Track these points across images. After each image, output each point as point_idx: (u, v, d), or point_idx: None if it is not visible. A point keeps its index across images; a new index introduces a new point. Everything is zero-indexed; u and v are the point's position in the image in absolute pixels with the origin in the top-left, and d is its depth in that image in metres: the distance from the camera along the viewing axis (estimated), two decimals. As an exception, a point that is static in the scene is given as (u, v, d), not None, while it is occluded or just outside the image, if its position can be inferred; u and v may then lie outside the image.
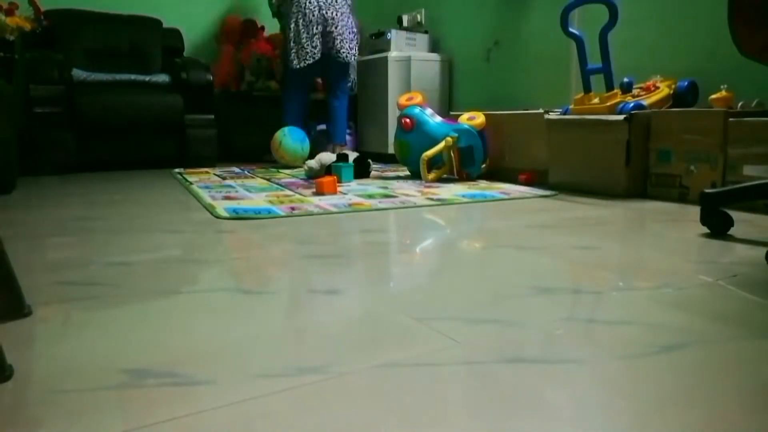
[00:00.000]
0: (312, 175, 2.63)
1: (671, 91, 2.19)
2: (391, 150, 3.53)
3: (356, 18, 3.45)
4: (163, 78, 3.43)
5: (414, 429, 0.54)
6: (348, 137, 3.95)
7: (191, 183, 2.54)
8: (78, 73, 3.19)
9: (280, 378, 0.64)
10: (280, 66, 3.61)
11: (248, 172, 3.07)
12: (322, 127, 3.97)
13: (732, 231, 1.41)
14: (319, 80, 3.76)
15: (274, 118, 4.02)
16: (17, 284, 0.85)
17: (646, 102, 2.12)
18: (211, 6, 4.11)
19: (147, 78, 3.38)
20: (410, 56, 3.53)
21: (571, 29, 2.21)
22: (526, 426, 0.55)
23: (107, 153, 3.19)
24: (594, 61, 2.22)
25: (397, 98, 3.01)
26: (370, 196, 2.12)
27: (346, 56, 3.27)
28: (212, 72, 3.52)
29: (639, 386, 0.62)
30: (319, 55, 3.21)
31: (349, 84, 3.50)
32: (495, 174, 2.73)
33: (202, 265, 1.16)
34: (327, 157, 2.68)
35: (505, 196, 2.12)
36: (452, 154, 2.59)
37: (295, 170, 3.12)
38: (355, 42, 3.34)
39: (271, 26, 4.13)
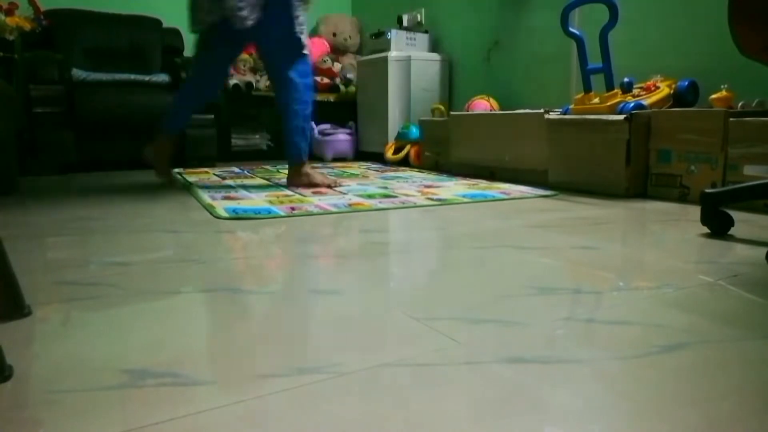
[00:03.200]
0: None
1: (671, 91, 2.19)
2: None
3: None
4: (163, 78, 3.43)
5: (414, 429, 0.54)
6: (348, 137, 3.96)
7: (191, 183, 2.54)
8: (78, 73, 3.19)
9: (280, 378, 0.64)
10: None
11: (248, 172, 3.07)
12: (325, 126, 3.97)
13: (732, 231, 1.41)
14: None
15: (273, 117, 4.03)
16: (17, 284, 0.85)
17: (646, 102, 2.12)
18: (211, 6, 4.10)
19: (147, 78, 3.38)
20: (410, 56, 3.53)
21: (571, 29, 2.21)
22: (526, 426, 0.54)
23: (107, 153, 3.19)
24: (594, 60, 2.22)
25: None
26: (370, 196, 2.12)
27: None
28: (212, 72, 3.51)
29: (639, 386, 0.62)
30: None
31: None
32: (495, 174, 2.73)
33: (202, 265, 1.16)
34: None
35: (505, 196, 2.12)
36: None
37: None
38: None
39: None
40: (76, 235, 1.47)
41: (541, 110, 2.46)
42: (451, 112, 3.11)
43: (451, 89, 3.70)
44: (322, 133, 3.97)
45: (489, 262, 1.18)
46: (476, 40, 3.46)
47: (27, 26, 3.13)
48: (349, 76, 4.09)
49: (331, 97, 4.09)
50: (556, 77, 2.93)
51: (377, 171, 3.11)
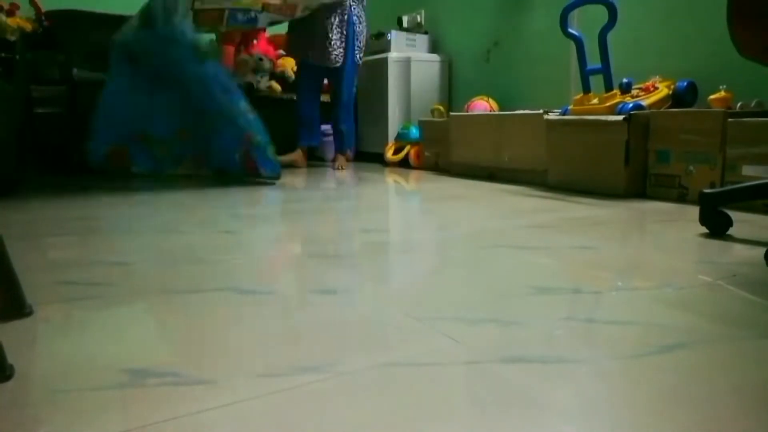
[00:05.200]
0: None
1: (670, 92, 2.19)
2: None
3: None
4: (163, 79, 3.43)
5: (414, 429, 0.54)
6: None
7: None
8: (79, 74, 3.19)
9: (280, 378, 0.65)
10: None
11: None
12: (326, 127, 3.98)
13: (731, 231, 1.41)
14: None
15: (275, 118, 4.03)
16: (18, 284, 0.85)
17: (645, 102, 2.12)
18: (211, 7, 4.11)
19: (147, 79, 3.38)
20: (410, 57, 3.53)
21: (570, 30, 2.22)
22: (527, 426, 0.55)
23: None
24: (593, 61, 2.22)
25: None
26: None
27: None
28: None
29: (639, 386, 0.63)
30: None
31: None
32: (494, 175, 2.73)
33: (202, 265, 1.17)
34: None
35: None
36: None
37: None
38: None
39: (272, 27, 4.13)
40: (77, 235, 1.48)
41: (541, 111, 2.46)
42: (451, 113, 3.11)
43: (450, 90, 3.70)
44: (322, 133, 3.97)
45: (489, 262, 1.19)
46: (476, 40, 3.46)
47: (28, 27, 3.13)
48: (349, 76, 4.09)
49: (332, 98, 4.08)
50: (555, 78, 2.93)
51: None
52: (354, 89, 3.40)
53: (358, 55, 3.28)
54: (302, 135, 3.43)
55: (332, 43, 3.12)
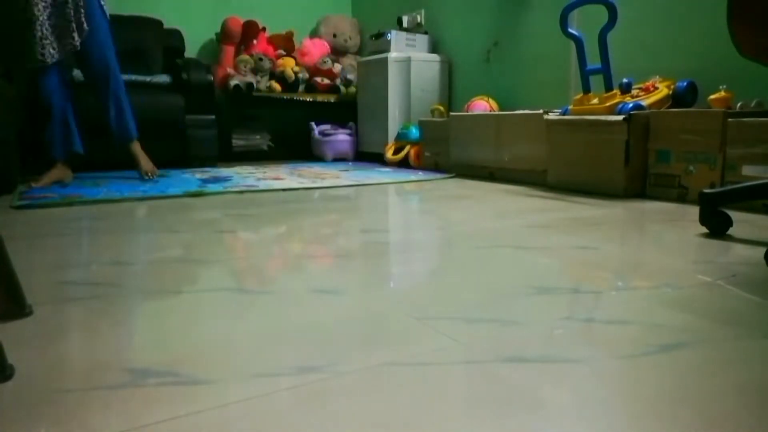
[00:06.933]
0: None
1: (670, 92, 2.19)
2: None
3: None
4: (164, 78, 3.44)
5: (414, 429, 0.54)
6: (348, 137, 3.96)
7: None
8: (79, 74, 3.18)
9: (280, 378, 0.65)
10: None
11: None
12: (325, 127, 3.98)
13: (731, 231, 1.41)
14: None
15: (274, 118, 4.05)
16: (18, 284, 0.85)
17: (645, 102, 2.12)
18: (212, 7, 4.12)
19: (148, 78, 3.38)
20: (410, 57, 3.53)
21: (570, 30, 2.22)
22: (526, 426, 0.55)
23: (108, 153, 3.19)
24: (593, 61, 2.22)
25: None
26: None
27: None
28: (213, 72, 3.53)
29: (638, 386, 0.63)
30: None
31: None
32: (494, 175, 2.73)
33: (202, 265, 1.17)
34: None
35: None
36: None
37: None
38: None
39: (272, 27, 4.14)
40: (77, 235, 1.48)
41: (541, 111, 2.47)
42: (451, 113, 3.11)
43: (450, 90, 3.70)
44: (322, 133, 3.97)
45: (488, 262, 1.19)
46: (476, 40, 3.46)
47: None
48: (350, 76, 4.10)
49: (332, 98, 4.09)
50: (555, 78, 2.93)
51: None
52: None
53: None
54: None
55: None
